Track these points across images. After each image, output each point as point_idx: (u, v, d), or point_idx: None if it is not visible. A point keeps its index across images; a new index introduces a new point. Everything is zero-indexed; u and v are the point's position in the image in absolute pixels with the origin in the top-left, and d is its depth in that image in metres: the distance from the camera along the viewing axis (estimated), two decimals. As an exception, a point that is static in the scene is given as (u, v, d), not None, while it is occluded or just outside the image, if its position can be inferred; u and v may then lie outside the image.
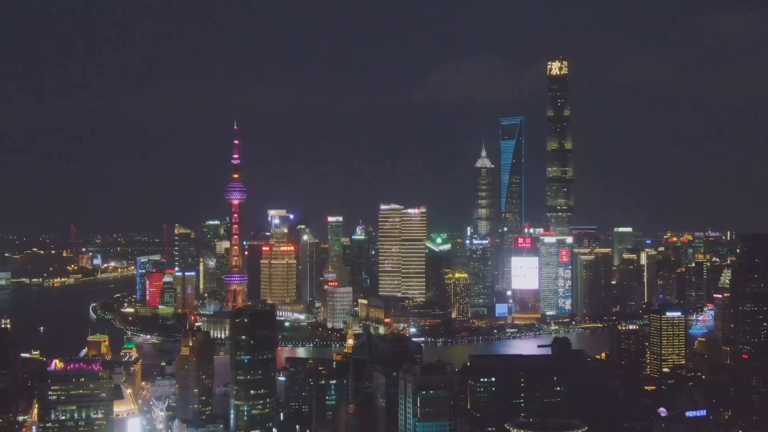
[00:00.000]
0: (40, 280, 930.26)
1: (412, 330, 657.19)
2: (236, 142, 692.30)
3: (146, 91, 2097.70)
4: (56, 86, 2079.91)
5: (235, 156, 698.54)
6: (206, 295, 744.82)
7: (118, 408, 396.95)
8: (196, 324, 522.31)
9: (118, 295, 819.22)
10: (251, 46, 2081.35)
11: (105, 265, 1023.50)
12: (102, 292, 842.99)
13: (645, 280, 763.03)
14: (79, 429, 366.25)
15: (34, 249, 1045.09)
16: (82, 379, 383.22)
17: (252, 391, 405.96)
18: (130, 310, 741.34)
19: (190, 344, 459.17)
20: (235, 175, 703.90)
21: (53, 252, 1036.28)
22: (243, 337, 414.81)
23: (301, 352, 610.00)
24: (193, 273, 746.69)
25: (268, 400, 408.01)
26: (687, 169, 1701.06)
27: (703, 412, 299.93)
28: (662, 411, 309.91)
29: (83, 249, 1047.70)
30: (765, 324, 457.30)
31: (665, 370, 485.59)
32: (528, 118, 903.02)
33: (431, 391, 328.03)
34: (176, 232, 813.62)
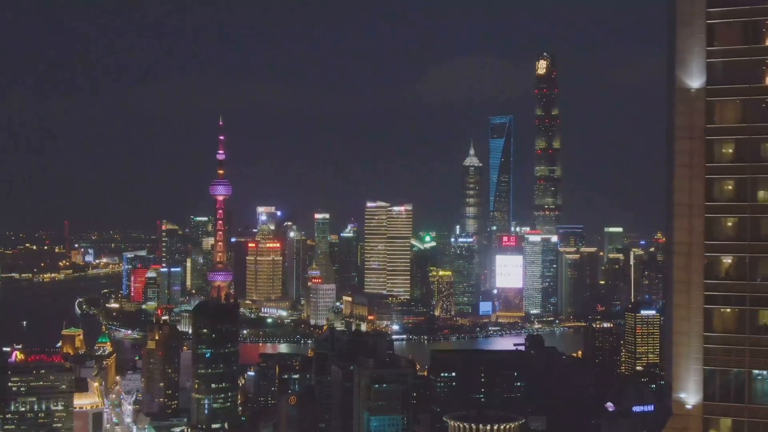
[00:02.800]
0: (30, 275, 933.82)
1: (395, 327, 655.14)
2: (221, 137, 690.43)
3: (140, 88, 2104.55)
4: (52, 84, 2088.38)
5: (220, 152, 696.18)
6: (194, 291, 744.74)
7: (82, 401, 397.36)
8: (163, 318, 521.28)
9: (105, 290, 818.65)
10: (243, 43, 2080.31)
11: (97, 261, 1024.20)
12: (91, 287, 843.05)
13: (632, 279, 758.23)
14: (39, 421, 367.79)
15: (27, 245, 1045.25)
16: (43, 371, 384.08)
17: (213, 385, 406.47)
18: (115, 305, 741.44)
19: (156, 338, 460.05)
20: (220, 171, 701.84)
21: (46, 248, 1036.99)
22: (204, 330, 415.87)
23: (283, 348, 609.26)
24: (179, 269, 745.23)
25: (229, 393, 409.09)
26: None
27: (650, 407, 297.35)
28: (609, 406, 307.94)
29: (76, 245, 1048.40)
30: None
31: (638, 368, 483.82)
32: (518, 117, 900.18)
33: (384, 385, 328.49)
34: (163, 228, 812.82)
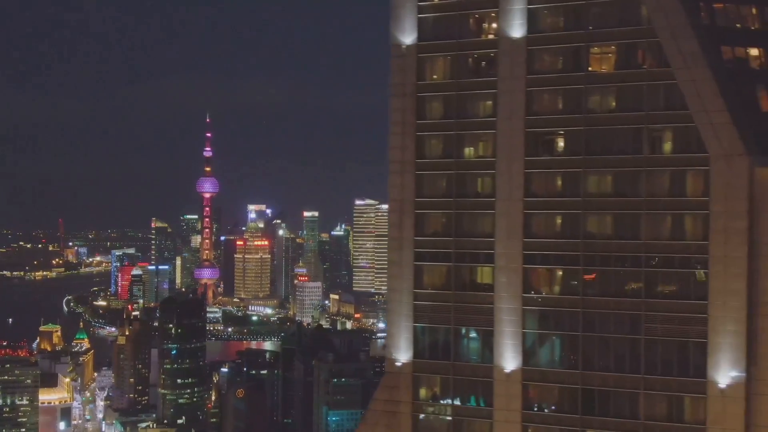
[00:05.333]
0: (22, 273, 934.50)
1: (381, 325, 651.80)
2: (208, 135, 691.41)
3: (135, 87, 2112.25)
4: (47, 82, 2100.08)
5: (207, 149, 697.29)
6: (184, 289, 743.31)
7: (50, 396, 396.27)
8: (134, 314, 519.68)
9: (95, 288, 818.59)
10: (235, 41, 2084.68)
11: (90, 260, 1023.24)
12: (82, 285, 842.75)
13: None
14: (3, 415, 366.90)
15: (21, 243, 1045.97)
16: (8, 366, 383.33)
17: (179, 380, 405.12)
18: (103, 303, 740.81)
19: (127, 333, 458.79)
20: (207, 168, 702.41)
21: (40, 246, 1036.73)
22: (170, 326, 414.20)
23: (268, 345, 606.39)
24: (167, 267, 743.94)
25: (196, 389, 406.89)
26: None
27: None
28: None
29: (70, 243, 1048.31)
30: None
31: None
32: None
33: (343, 379, 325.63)
34: (153, 225, 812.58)
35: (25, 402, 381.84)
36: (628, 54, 75.66)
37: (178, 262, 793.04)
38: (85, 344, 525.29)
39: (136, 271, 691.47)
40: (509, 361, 77.80)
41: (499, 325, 78.34)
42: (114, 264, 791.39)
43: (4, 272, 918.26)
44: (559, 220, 77.88)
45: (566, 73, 77.21)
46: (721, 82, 71.88)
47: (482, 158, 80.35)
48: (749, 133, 71.52)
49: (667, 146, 74.79)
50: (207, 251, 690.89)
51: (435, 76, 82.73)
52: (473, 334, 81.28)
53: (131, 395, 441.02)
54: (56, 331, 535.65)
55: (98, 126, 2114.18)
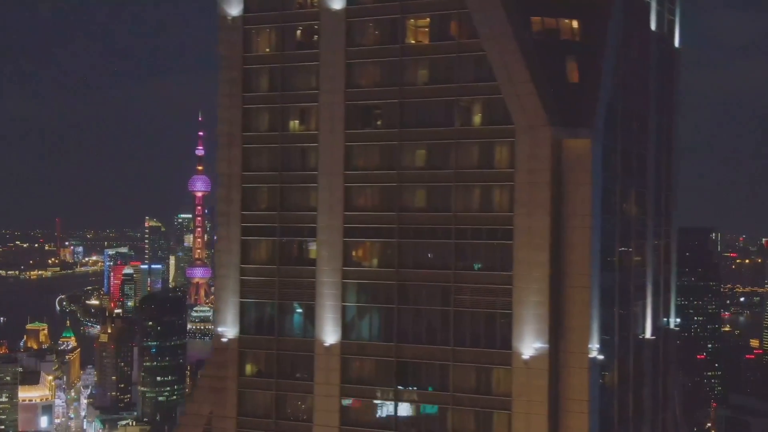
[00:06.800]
0: (17, 272, 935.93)
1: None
2: (201, 133, 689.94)
3: (131, 86, 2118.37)
4: (43, 82, 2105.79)
5: (200, 147, 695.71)
6: (177, 288, 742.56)
7: (31, 393, 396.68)
8: (116, 311, 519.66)
9: (88, 287, 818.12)
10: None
11: (86, 259, 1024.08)
12: (76, 284, 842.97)
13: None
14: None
15: (18, 242, 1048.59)
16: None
17: (159, 378, 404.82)
18: (95, 302, 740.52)
19: (109, 331, 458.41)
20: (199, 167, 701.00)
21: (37, 245, 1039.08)
22: (150, 323, 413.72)
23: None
24: (160, 266, 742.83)
25: (176, 387, 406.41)
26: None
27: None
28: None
29: (66, 243, 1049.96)
30: (695, 318, 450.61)
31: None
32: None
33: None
34: (147, 225, 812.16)
35: (4, 399, 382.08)
36: (442, 26, 75.45)
37: (172, 261, 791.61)
38: (72, 342, 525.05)
39: (127, 270, 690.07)
40: (329, 335, 77.74)
41: (320, 299, 78.35)
42: (107, 263, 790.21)
43: (0, 271, 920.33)
44: (377, 194, 77.56)
45: (383, 45, 76.95)
46: (527, 53, 71.75)
47: (306, 132, 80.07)
48: (555, 104, 71.30)
49: (477, 118, 74.59)
50: (199, 250, 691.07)
51: (261, 49, 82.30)
52: (297, 309, 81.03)
53: (113, 393, 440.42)
54: (43, 330, 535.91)
55: (97, 126, 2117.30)
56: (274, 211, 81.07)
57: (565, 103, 71.45)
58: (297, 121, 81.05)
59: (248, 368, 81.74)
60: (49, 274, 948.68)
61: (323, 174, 78.30)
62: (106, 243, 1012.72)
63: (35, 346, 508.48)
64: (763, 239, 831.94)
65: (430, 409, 76.12)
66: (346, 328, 77.75)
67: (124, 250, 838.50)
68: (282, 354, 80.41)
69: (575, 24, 74.44)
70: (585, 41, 73.81)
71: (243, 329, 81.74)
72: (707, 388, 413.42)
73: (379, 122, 77.94)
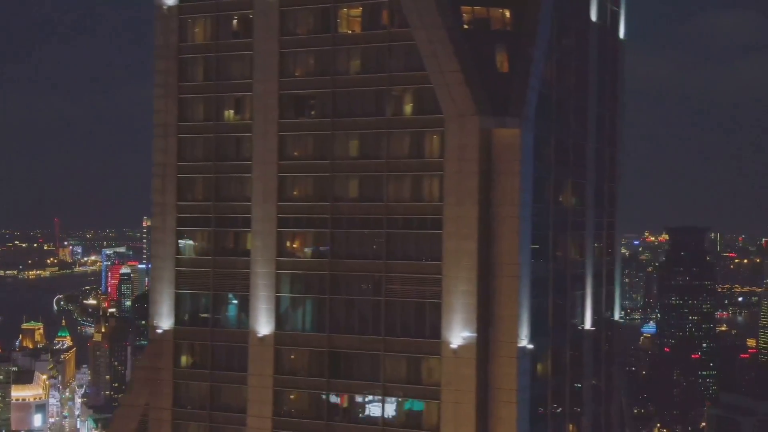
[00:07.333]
0: (15, 272, 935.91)
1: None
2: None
3: (130, 86, 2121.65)
4: (43, 82, 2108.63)
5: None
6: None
7: (24, 392, 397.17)
8: (110, 310, 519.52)
9: (87, 287, 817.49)
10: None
11: (85, 259, 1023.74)
12: (75, 284, 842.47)
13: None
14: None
15: (17, 242, 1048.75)
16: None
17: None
18: (93, 302, 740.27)
19: (103, 330, 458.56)
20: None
21: (36, 245, 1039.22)
22: (143, 322, 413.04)
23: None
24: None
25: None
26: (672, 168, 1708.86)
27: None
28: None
29: (65, 242, 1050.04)
30: (690, 317, 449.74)
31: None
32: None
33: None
34: (144, 224, 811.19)
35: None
36: (373, 15, 75.16)
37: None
38: (67, 342, 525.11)
39: (124, 270, 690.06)
40: (263, 325, 77.52)
41: (255, 289, 78.07)
42: (104, 263, 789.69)
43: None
44: (310, 184, 77.32)
45: (316, 34, 76.68)
46: (457, 42, 71.55)
47: (241, 121, 79.79)
48: (484, 93, 71.03)
49: (408, 108, 74.30)
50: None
51: (196, 38, 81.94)
52: (232, 300, 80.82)
53: (107, 392, 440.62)
54: (38, 329, 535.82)
55: (97, 125, 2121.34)
56: (209, 201, 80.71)
57: (494, 92, 71.17)
58: (232, 111, 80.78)
59: (183, 359, 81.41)
60: (47, 273, 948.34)
61: (257, 164, 78.04)
62: (105, 243, 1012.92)
63: (31, 346, 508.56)
64: (763, 239, 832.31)
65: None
66: (280, 319, 77.49)
67: (121, 249, 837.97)
68: (216, 345, 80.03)
69: (506, 13, 74.15)
70: (516, 31, 73.44)
71: (178, 320, 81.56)
72: (702, 388, 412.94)
73: (312, 112, 77.58)
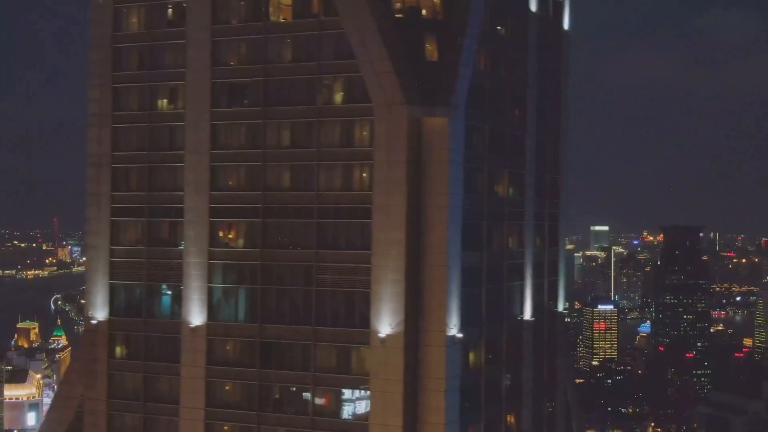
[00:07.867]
0: (13, 272, 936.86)
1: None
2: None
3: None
4: (42, 82, 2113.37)
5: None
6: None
7: (18, 391, 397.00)
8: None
9: (84, 287, 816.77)
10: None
11: (83, 259, 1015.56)
12: (73, 284, 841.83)
13: (612, 277, 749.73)
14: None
15: (15, 242, 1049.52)
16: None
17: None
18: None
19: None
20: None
21: (35, 245, 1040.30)
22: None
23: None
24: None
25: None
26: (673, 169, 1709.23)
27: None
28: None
29: (64, 242, 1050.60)
30: (685, 317, 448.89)
31: (594, 363, 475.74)
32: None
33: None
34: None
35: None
36: (304, 3, 74.88)
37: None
38: (63, 341, 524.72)
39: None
40: (196, 316, 77.26)
41: (188, 280, 77.79)
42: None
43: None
44: (243, 173, 77.06)
45: (247, 23, 76.38)
46: (386, 31, 71.25)
47: (174, 111, 79.53)
48: (413, 82, 70.76)
49: (339, 97, 74.05)
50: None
51: (131, 27, 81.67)
52: (166, 291, 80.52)
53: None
54: (34, 328, 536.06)
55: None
56: (143, 191, 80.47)
57: (423, 81, 70.96)
58: (165, 100, 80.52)
59: (118, 350, 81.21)
60: (45, 273, 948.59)
61: (190, 153, 77.81)
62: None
63: (26, 345, 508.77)
64: (762, 239, 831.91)
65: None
66: (213, 309, 77.27)
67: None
68: (150, 336, 79.83)
69: (437, 2, 73.81)
70: (447, 19, 73.12)
71: (113, 311, 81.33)
72: (696, 387, 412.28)
73: (245, 101, 77.28)
